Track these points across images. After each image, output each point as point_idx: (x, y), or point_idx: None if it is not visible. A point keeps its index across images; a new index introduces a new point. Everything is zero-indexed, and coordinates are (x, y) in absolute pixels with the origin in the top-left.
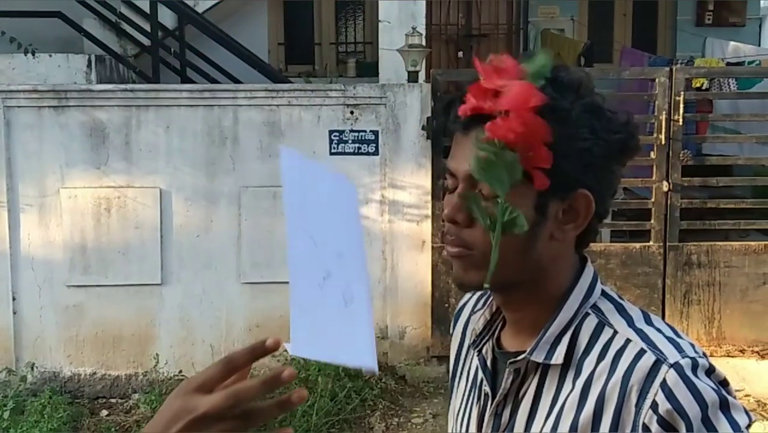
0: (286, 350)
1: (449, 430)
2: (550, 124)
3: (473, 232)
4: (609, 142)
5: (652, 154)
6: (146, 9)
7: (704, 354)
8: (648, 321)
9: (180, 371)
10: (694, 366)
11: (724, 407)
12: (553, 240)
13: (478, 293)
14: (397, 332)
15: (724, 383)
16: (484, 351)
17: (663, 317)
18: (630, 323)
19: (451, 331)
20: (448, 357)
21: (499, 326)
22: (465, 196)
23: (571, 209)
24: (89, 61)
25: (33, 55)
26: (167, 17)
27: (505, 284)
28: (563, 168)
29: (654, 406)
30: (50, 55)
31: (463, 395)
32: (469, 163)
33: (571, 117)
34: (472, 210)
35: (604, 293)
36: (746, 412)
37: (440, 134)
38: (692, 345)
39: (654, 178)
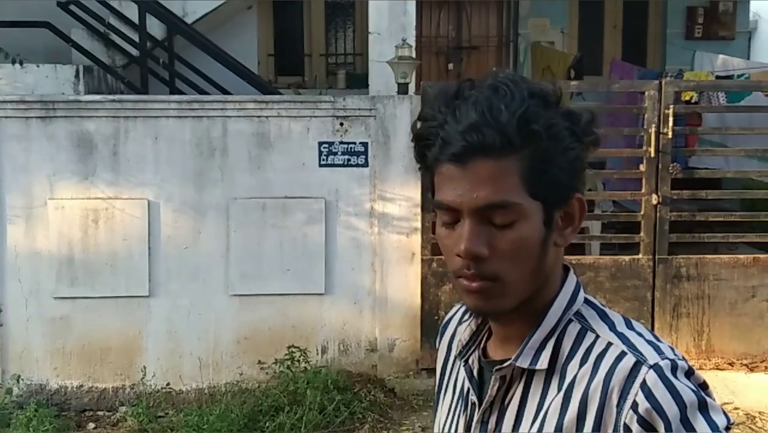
0: (274, 363)
1: None
2: (546, 141)
3: (495, 262)
4: (587, 144)
5: (642, 167)
6: (135, 19)
7: (683, 357)
8: (629, 326)
9: (168, 384)
10: (674, 368)
11: (703, 407)
12: (555, 247)
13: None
14: (387, 345)
15: (703, 386)
16: (470, 361)
17: (652, 330)
18: (611, 327)
19: (437, 344)
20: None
21: (486, 336)
22: None
23: (568, 215)
24: (77, 71)
25: (21, 65)
26: (156, 28)
27: (522, 300)
28: (561, 180)
29: (634, 406)
30: (38, 66)
31: (450, 406)
32: (477, 195)
33: (561, 130)
34: None
35: (587, 301)
36: (725, 413)
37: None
38: (672, 348)
39: (643, 191)
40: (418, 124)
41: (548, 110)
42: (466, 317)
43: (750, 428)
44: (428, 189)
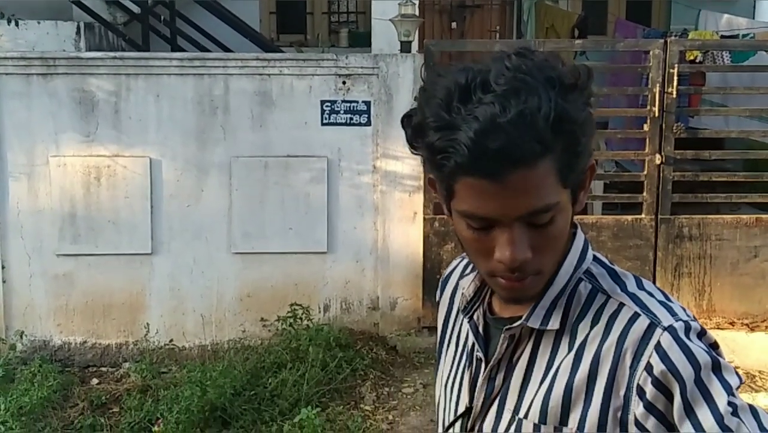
0: (276, 321)
1: (437, 397)
2: (577, 133)
3: (537, 259)
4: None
5: (645, 127)
6: None
7: (695, 318)
8: (640, 286)
9: (171, 340)
10: (687, 329)
11: (716, 368)
12: (572, 213)
13: (466, 259)
14: (389, 303)
15: (714, 346)
16: (475, 317)
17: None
18: (623, 288)
19: (437, 297)
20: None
21: (489, 290)
22: None
23: (582, 181)
24: (78, 28)
25: (16, 24)
26: None
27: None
28: (584, 160)
29: (649, 368)
30: (39, 23)
31: (453, 361)
32: (517, 206)
33: (588, 118)
34: None
35: (595, 258)
36: (737, 373)
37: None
38: (683, 309)
39: (647, 150)
40: (432, 134)
41: (570, 97)
42: (468, 270)
43: (750, 387)
44: (433, 183)
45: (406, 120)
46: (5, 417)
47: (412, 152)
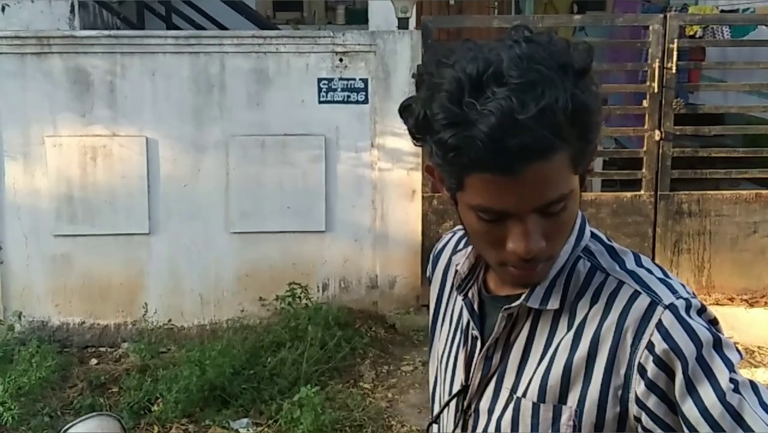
0: (275, 300)
1: (431, 374)
2: (589, 121)
3: (550, 246)
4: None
5: (645, 103)
6: None
7: (695, 294)
8: (639, 263)
9: (169, 320)
10: (688, 307)
11: (717, 345)
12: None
13: (459, 234)
14: (387, 282)
15: (714, 322)
16: (470, 295)
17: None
18: (622, 265)
19: (429, 273)
20: None
21: (483, 267)
22: None
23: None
24: (72, 6)
25: (2, 11)
26: None
27: None
28: (593, 145)
29: (650, 346)
30: (32, 1)
31: (447, 338)
32: (533, 198)
33: (599, 103)
34: None
35: (593, 235)
36: (737, 350)
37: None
38: (683, 286)
39: (646, 126)
40: (442, 130)
41: (582, 84)
42: (461, 246)
43: (749, 362)
44: (432, 170)
45: (405, 110)
46: (4, 398)
47: (414, 144)
